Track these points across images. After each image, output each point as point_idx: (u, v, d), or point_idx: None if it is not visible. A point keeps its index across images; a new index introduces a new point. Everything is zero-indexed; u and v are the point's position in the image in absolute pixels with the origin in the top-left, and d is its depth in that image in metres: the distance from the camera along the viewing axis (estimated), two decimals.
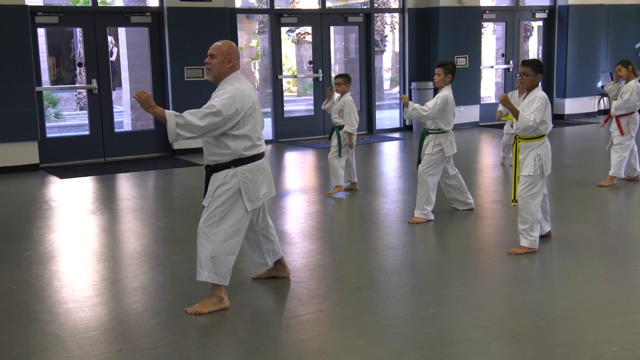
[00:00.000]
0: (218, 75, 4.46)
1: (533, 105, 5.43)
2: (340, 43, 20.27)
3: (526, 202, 5.49)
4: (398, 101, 14.55)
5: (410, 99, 13.53)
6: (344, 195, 8.01)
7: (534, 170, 5.46)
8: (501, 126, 11.47)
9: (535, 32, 22.18)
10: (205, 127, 4.27)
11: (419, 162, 6.74)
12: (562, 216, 6.74)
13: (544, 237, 5.86)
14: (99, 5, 11.83)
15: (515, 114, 5.43)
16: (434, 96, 6.67)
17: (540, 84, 5.61)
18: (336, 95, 8.09)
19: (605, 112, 14.53)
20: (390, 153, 11.62)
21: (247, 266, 5.33)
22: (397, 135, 13.34)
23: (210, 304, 4.48)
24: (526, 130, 5.42)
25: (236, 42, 11.92)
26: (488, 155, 11.03)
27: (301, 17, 13.47)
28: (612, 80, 8.58)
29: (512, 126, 5.66)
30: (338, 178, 7.98)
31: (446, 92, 6.54)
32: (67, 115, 18.44)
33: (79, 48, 16.69)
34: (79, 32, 15.71)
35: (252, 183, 4.46)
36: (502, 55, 14.94)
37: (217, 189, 4.41)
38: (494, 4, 17.59)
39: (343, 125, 7.94)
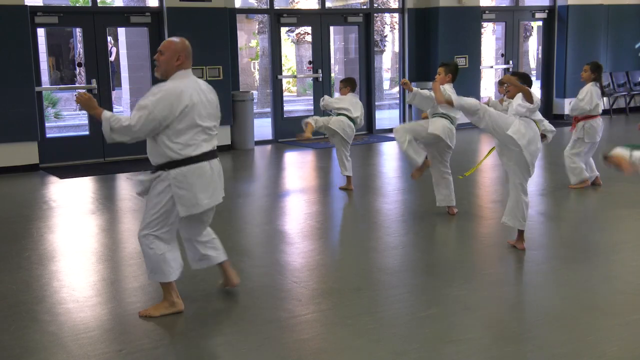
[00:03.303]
0: (165, 71, 4.30)
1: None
2: (340, 43, 20.27)
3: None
4: (398, 101, 14.54)
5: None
6: (343, 195, 8.01)
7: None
8: None
9: (535, 32, 22.21)
10: (137, 128, 4.17)
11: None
12: (560, 216, 6.74)
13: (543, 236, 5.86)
14: (99, 5, 11.83)
15: (524, 90, 5.37)
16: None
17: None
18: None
19: (605, 112, 14.50)
20: (390, 153, 11.61)
21: (247, 267, 5.34)
22: None
23: (162, 307, 4.45)
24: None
25: (236, 42, 11.90)
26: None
27: (301, 17, 13.47)
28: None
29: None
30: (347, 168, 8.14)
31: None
32: (67, 116, 18.41)
33: (79, 48, 16.71)
34: (78, 32, 15.74)
35: (185, 188, 4.23)
36: (502, 55, 14.94)
37: (154, 192, 4.34)
38: (493, 4, 17.60)
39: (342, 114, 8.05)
